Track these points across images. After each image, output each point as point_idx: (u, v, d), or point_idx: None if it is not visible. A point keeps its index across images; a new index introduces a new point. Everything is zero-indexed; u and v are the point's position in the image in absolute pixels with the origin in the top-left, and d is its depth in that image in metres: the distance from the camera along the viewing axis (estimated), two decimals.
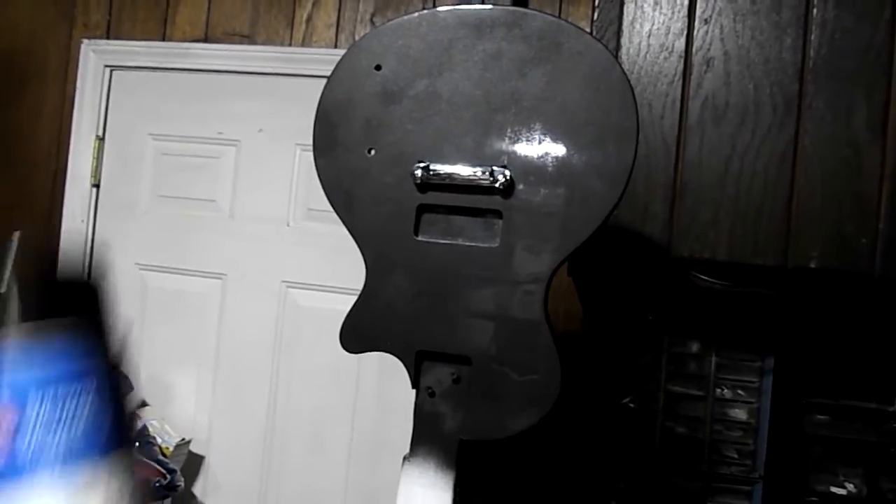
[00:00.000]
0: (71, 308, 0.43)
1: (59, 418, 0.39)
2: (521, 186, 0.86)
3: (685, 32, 1.23)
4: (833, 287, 1.25)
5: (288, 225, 1.89)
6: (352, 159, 0.91)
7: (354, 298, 0.91)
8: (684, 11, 1.23)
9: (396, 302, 0.89)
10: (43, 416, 0.38)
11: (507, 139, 0.86)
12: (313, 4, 1.88)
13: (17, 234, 1.82)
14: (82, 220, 2.01)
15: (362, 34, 1.74)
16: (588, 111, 0.84)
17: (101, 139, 2.02)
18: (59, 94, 2.05)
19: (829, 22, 1.17)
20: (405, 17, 0.91)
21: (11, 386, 0.39)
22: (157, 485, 1.65)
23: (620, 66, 0.88)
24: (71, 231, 2.01)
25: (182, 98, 1.96)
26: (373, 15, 1.84)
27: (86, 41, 2.03)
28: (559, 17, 1.71)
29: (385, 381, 1.75)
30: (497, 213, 0.87)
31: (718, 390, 1.46)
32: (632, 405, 1.49)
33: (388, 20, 0.99)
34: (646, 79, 1.24)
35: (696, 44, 1.23)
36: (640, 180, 1.23)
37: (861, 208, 1.14)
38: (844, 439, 1.46)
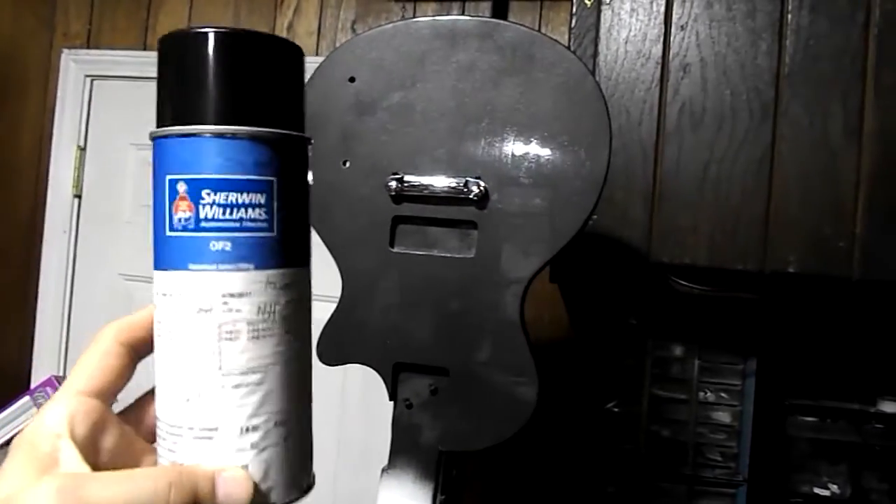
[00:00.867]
0: None
1: (228, 222, 0.39)
2: (495, 197, 0.86)
3: (662, 39, 1.24)
4: (812, 290, 1.26)
5: None
6: (326, 171, 0.91)
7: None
8: (661, 18, 1.24)
9: (372, 314, 0.89)
10: (212, 216, 0.39)
11: (481, 150, 0.86)
12: (294, 12, 1.88)
13: None
14: (64, 231, 2.00)
15: (343, 41, 1.74)
16: (561, 120, 0.84)
17: (83, 149, 2.01)
18: (39, 104, 2.04)
19: (804, 28, 1.18)
20: (378, 29, 0.91)
21: (192, 181, 0.39)
22: None
23: (593, 76, 0.88)
24: (53, 242, 2.00)
25: None
26: (353, 22, 1.84)
27: (66, 51, 2.02)
28: (539, 23, 1.72)
29: (370, 390, 1.74)
30: (472, 224, 0.87)
31: (702, 393, 1.47)
32: (616, 409, 1.49)
33: (369, 28, 0.99)
34: (623, 85, 1.25)
35: (673, 50, 1.23)
36: (618, 186, 1.24)
37: (838, 213, 1.15)
38: (827, 440, 1.47)
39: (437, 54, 0.88)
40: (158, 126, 0.42)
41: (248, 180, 0.40)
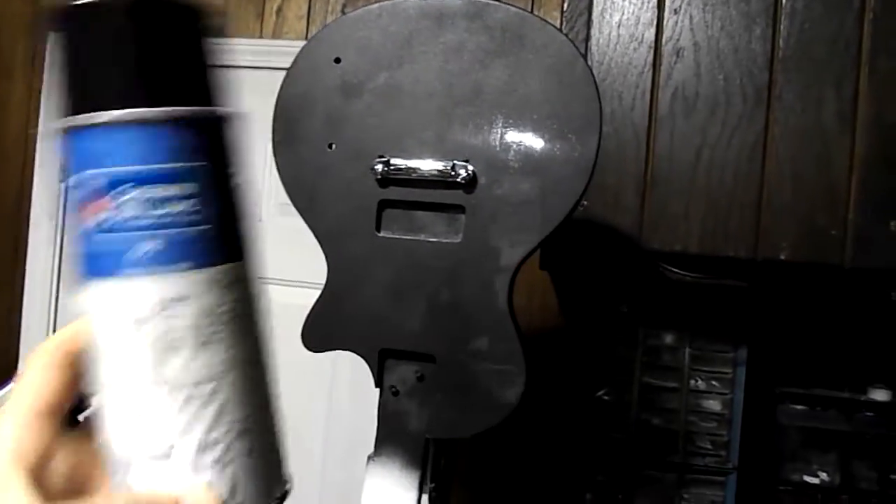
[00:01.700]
0: None
1: (155, 219, 0.35)
2: (483, 180, 0.84)
3: (655, 22, 1.22)
4: (804, 278, 1.25)
5: (260, 220, 1.86)
6: (312, 155, 0.89)
7: None
8: (654, 1, 1.22)
9: (358, 300, 0.88)
10: (137, 213, 0.34)
11: (469, 132, 0.85)
12: None
13: None
14: (51, 217, 1.97)
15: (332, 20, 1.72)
16: (551, 104, 0.83)
17: None
18: (25, 87, 2.01)
19: (799, 12, 1.16)
20: (365, 9, 0.89)
21: (108, 176, 0.34)
22: None
23: (584, 58, 0.86)
24: (39, 227, 1.98)
25: None
26: (344, 5, 1.81)
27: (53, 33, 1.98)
28: (532, 6, 1.70)
29: (359, 379, 1.73)
30: (460, 209, 0.85)
31: (693, 381, 1.46)
32: (606, 398, 1.48)
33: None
34: (616, 69, 1.23)
35: (666, 34, 1.22)
36: (610, 171, 1.22)
37: (831, 199, 1.14)
38: (817, 428, 1.46)
39: (425, 34, 0.86)
40: (63, 117, 0.36)
41: (173, 169, 0.35)
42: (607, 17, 1.24)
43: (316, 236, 0.90)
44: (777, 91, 1.16)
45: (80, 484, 0.37)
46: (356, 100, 0.88)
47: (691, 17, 1.20)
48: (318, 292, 0.92)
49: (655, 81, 1.21)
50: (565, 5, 1.26)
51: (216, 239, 0.37)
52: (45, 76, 1.99)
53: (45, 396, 0.37)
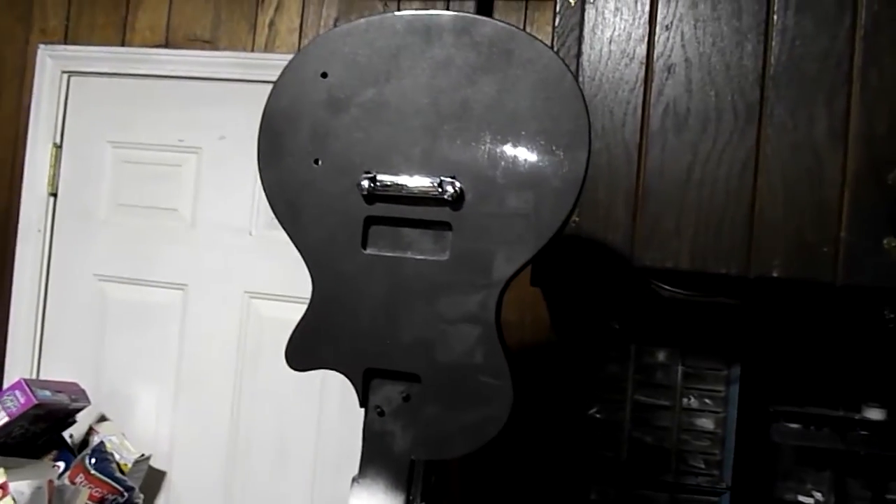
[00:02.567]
0: None
1: None
2: (471, 197, 0.83)
3: (646, 38, 1.22)
4: (796, 296, 1.24)
5: (251, 234, 1.85)
6: (297, 170, 0.88)
7: None
8: (645, 17, 1.22)
9: (343, 318, 0.86)
10: None
11: (456, 148, 0.84)
12: (276, 9, 1.85)
13: None
14: (39, 230, 1.96)
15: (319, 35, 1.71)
16: (539, 119, 0.82)
17: (59, 147, 1.97)
18: (14, 101, 1.99)
19: (790, 28, 1.16)
20: (352, 24, 0.88)
21: None
22: (114, 503, 1.60)
23: (572, 73, 0.85)
24: (27, 240, 1.95)
25: (142, 105, 1.92)
26: (336, 19, 1.81)
27: (42, 46, 1.97)
28: (524, 23, 1.70)
29: (349, 393, 1.71)
30: (447, 226, 0.84)
31: (685, 399, 1.45)
32: (598, 416, 1.47)
33: None
34: (607, 85, 1.23)
35: (658, 50, 1.21)
36: (601, 188, 1.22)
37: (823, 216, 1.13)
38: (811, 447, 1.45)
39: (412, 50, 0.85)
40: None
41: None
42: (598, 32, 1.24)
43: (300, 252, 0.89)
44: (768, 107, 1.16)
45: None
46: (343, 115, 0.87)
47: (683, 34, 1.20)
48: (303, 305, 0.90)
49: (647, 97, 1.21)
50: (556, 21, 1.26)
51: None
52: (35, 89, 1.97)
53: None
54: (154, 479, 1.86)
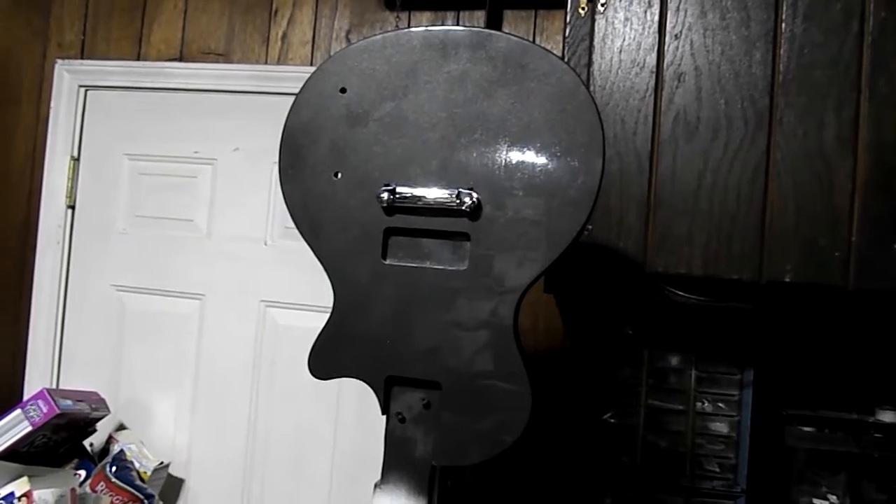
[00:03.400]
0: None
1: None
2: (488, 208, 0.85)
3: (656, 48, 1.24)
4: (808, 300, 1.25)
5: (266, 244, 1.87)
6: (318, 183, 0.90)
7: None
8: (655, 27, 1.24)
9: (364, 327, 0.88)
10: None
11: (473, 160, 0.86)
12: (288, 22, 1.87)
13: None
14: (58, 242, 1.99)
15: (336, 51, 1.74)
16: (554, 131, 0.84)
17: (76, 160, 2.00)
18: (33, 115, 2.03)
19: (798, 36, 1.17)
20: (369, 40, 0.90)
21: None
22: None
23: (586, 86, 0.87)
24: (46, 253, 1.99)
25: (158, 117, 1.95)
26: (348, 32, 1.84)
27: (60, 61, 2.01)
28: (534, 32, 1.72)
29: (365, 401, 1.73)
30: (465, 236, 0.86)
31: (699, 404, 1.46)
32: (613, 420, 1.48)
33: (364, 37, 0.99)
34: (618, 94, 1.25)
35: (668, 59, 1.23)
36: (614, 195, 1.23)
37: (833, 222, 1.15)
38: (826, 451, 1.45)
39: (429, 65, 0.87)
40: None
41: None
42: (609, 42, 1.26)
43: (322, 263, 0.91)
44: (778, 115, 1.17)
45: None
46: (362, 129, 0.89)
47: (692, 43, 1.22)
48: (325, 316, 0.92)
49: (657, 106, 1.23)
50: (567, 31, 1.28)
51: None
52: (53, 103, 2.01)
53: None
54: (173, 487, 1.88)
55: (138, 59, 1.97)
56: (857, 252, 1.14)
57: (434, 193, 0.85)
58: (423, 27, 0.89)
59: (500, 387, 0.84)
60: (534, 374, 0.85)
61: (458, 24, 1.72)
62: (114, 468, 1.64)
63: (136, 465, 1.73)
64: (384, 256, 0.88)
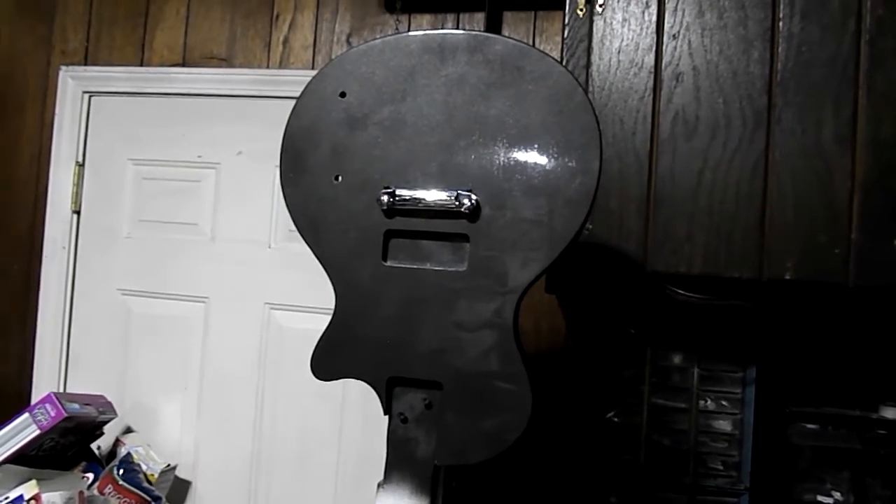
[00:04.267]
0: None
1: None
2: (487, 210, 0.86)
3: (654, 48, 1.24)
4: (809, 297, 1.26)
5: (269, 247, 1.89)
6: (318, 187, 0.91)
7: None
8: (652, 27, 1.24)
9: (366, 329, 0.89)
10: None
11: (472, 163, 0.86)
12: (290, 26, 1.89)
13: None
14: (63, 247, 2.00)
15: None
16: (551, 132, 0.84)
17: (81, 165, 2.02)
18: (37, 121, 2.04)
19: (796, 35, 1.18)
20: (368, 44, 0.91)
21: None
22: None
23: (583, 87, 0.88)
24: (52, 258, 2.00)
25: (161, 122, 1.96)
26: (349, 36, 1.85)
27: (64, 68, 2.03)
28: (533, 33, 1.73)
29: (370, 401, 1.74)
30: (464, 237, 0.87)
31: (702, 402, 1.46)
32: (616, 419, 1.48)
33: (365, 40, 1.00)
34: (616, 95, 1.25)
35: (666, 59, 1.24)
36: (613, 195, 1.24)
37: (833, 219, 1.15)
38: (829, 447, 1.45)
39: (427, 68, 0.88)
40: None
41: None
42: (607, 43, 1.26)
43: (323, 266, 0.92)
44: (776, 113, 1.18)
45: None
46: (361, 132, 0.90)
47: (690, 42, 1.22)
48: (323, 315, 0.93)
49: (656, 106, 1.23)
50: (566, 33, 1.29)
51: None
52: (57, 110, 2.03)
53: None
54: (180, 489, 1.89)
55: (141, 65, 1.98)
56: (856, 249, 1.14)
57: (433, 196, 0.86)
58: (421, 31, 0.90)
59: (500, 387, 0.85)
60: (534, 374, 0.86)
61: (458, 26, 1.73)
62: (121, 471, 1.66)
63: (144, 467, 1.74)
64: (385, 258, 0.89)
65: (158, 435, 1.92)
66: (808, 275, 1.16)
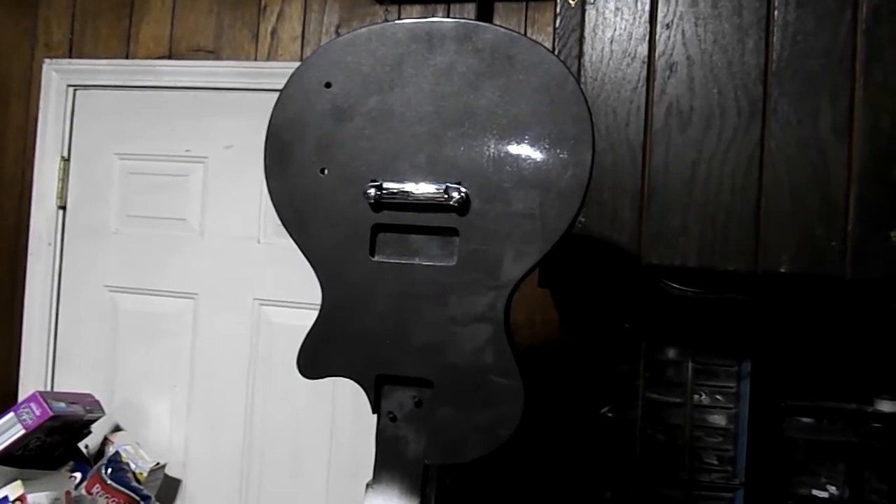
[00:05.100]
0: None
1: None
2: (477, 203, 0.84)
3: (647, 38, 1.22)
4: (805, 290, 1.24)
5: (259, 242, 1.86)
6: (304, 180, 0.89)
7: None
8: (646, 17, 1.22)
9: (353, 325, 0.87)
10: None
11: (461, 154, 0.84)
12: (278, 17, 1.86)
13: None
14: (49, 243, 1.97)
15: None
16: (542, 123, 0.82)
17: (67, 160, 1.98)
18: (22, 115, 2.01)
19: (791, 24, 1.16)
20: (354, 33, 0.89)
21: None
22: None
23: (575, 77, 0.86)
24: (38, 254, 1.97)
25: (147, 116, 1.93)
26: (338, 27, 1.82)
27: (48, 61, 1.99)
28: (525, 23, 1.70)
29: (361, 398, 1.72)
30: (453, 231, 0.84)
31: (697, 396, 1.45)
32: (610, 414, 1.47)
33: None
34: (609, 85, 1.23)
35: (659, 49, 1.21)
36: (607, 188, 1.22)
37: (829, 211, 1.13)
38: (825, 441, 1.44)
39: (415, 58, 0.86)
40: None
41: None
42: (599, 33, 1.24)
43: (309, 261, 0.90)
44: (772, 104, 1.16)
45: None
46: (347, 124, 0.88)
47: (683, 32, 1.20)
48: (313, 311, 0.91)
49: (650, 96, 1.21)
50: (557, 22, 1.26)
51: None
52: (42, 104, 1.99)
53: None
54: (170, 488, 1.87)
55: (127, 57, 1.95)
56: (853, 241, 1.12)
57: (422, 189, 0.84)
58: (408, 19, 0.88)
59: (491, 381, 0.83)
60: (526, 369, 0.84)
61: (447, 17, 1.70)
62: (109, 470, 1.63)
63: (132, 466, 1.72)
64: (372, 253, 0.87)
65: (147, 433, 1.90)
66: (804, 267, 1.15)
